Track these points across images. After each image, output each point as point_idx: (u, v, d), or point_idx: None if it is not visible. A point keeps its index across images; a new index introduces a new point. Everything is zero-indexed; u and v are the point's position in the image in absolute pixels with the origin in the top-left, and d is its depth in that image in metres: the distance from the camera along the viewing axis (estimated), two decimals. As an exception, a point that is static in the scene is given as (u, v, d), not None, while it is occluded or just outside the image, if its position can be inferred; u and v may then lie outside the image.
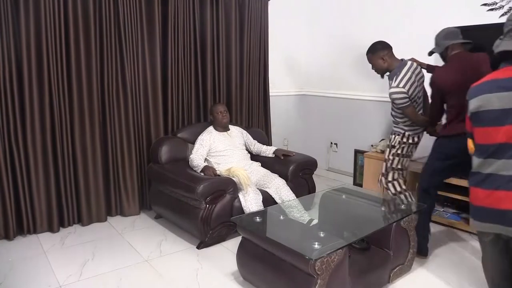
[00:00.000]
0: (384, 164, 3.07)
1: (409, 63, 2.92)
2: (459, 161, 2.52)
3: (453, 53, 2.66)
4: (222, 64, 3.93)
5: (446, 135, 2.66)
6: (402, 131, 2.99)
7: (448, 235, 3.18)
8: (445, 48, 2.66)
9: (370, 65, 3.01)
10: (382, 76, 3.02)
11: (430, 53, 2.85)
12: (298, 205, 2.86)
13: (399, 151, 2.99)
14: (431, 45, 3.62)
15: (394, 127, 3.06)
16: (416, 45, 3.72)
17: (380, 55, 2.89)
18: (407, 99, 2.82)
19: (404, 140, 2.97)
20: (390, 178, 3.04)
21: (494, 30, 3.13)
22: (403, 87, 2.81)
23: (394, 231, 2.43)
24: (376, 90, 4.11)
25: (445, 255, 2.85)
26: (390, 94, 2.85)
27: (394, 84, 2.83)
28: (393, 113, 3.02)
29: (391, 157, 3.02)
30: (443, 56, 2.75)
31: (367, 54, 2.99)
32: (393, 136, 3.04)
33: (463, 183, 3.11)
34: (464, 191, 3.15)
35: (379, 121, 4.13)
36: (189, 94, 3.78)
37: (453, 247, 2.98)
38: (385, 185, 3.07)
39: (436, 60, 3.08)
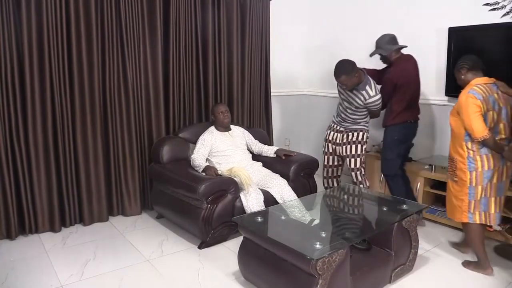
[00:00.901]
0: (358, 159, 3.34)
1: None
2: (407, 145, 3.37)
3: (398, 55, 3.22)
4: (223, 63, 3.93)
5: (399, 123, 3.23)
6: (367, 127, 3.39)
7: (449, 235, 3.17)
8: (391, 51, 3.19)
9: (340, 84, 3.16)
10: (351, 90, 3.20)
11: (373, 55, 3.29)
12: (299, 205, 2.86)
13: (366, 145, 3.38)
14: (432, 45, 3.63)
15: (354, 125, 3.37)
16: (417, 45, 3.72)
17: (353, 74, 3.07)
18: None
19: (368, 135, 3.40)
20: (364, 172, 3.40)
21: (496, 30, 3.16)
22: (379, 92, 3.18)
23: (395, 231, 2.43)
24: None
25: (446, 255, 2.85)
26: (374, 101, 3.13)
27: (372, 93, 3.14)
28: (354, 116, 3.32)
29: (363, 152, 3.37)
30: (386, 58, 3.26)
31: (339, 76, 3.10)
32: (360, 133, 3.35)
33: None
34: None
35: (380, 121, 4.11)
36: (191, 94, 3.78)
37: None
38: (360, 179, 3.39)
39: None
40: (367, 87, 3.11)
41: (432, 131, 3.69)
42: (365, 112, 3.30)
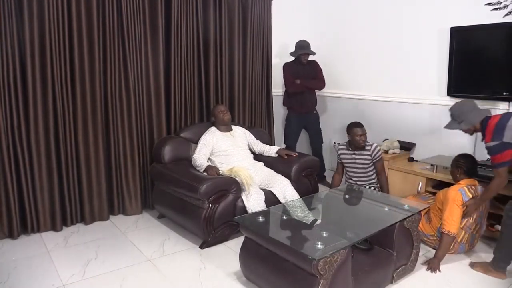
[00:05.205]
0: None
1: None
2: None
3: None
4: (225, 64, 3.93)
5: None
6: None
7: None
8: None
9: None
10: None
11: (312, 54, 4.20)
12: (301, 205, 2.86)
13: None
14: (433, 45, 3.62)
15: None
16: (419, 45, 3.72)
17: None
18: None
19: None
20: None
21: (498, 30, 3.15)
22: None
23: (397, 231, 2.43)
24: (378, 90, 4.10)
25: (447, 255, 2.83)
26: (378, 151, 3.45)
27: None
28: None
29: None
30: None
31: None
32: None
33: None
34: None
35: (381, 121, 4.12)
36: (192, 94, 3.79)
37: (457, 247, 2.97)
38: None
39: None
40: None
41: (434, 131, 3.69)
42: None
